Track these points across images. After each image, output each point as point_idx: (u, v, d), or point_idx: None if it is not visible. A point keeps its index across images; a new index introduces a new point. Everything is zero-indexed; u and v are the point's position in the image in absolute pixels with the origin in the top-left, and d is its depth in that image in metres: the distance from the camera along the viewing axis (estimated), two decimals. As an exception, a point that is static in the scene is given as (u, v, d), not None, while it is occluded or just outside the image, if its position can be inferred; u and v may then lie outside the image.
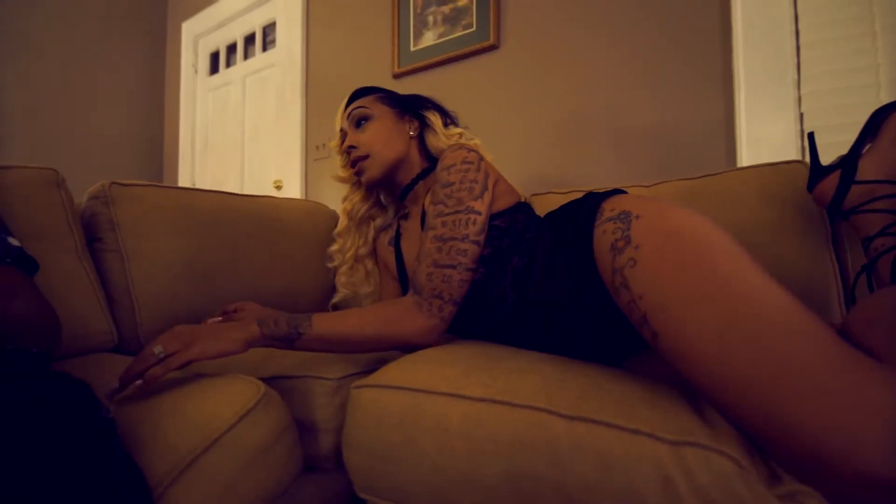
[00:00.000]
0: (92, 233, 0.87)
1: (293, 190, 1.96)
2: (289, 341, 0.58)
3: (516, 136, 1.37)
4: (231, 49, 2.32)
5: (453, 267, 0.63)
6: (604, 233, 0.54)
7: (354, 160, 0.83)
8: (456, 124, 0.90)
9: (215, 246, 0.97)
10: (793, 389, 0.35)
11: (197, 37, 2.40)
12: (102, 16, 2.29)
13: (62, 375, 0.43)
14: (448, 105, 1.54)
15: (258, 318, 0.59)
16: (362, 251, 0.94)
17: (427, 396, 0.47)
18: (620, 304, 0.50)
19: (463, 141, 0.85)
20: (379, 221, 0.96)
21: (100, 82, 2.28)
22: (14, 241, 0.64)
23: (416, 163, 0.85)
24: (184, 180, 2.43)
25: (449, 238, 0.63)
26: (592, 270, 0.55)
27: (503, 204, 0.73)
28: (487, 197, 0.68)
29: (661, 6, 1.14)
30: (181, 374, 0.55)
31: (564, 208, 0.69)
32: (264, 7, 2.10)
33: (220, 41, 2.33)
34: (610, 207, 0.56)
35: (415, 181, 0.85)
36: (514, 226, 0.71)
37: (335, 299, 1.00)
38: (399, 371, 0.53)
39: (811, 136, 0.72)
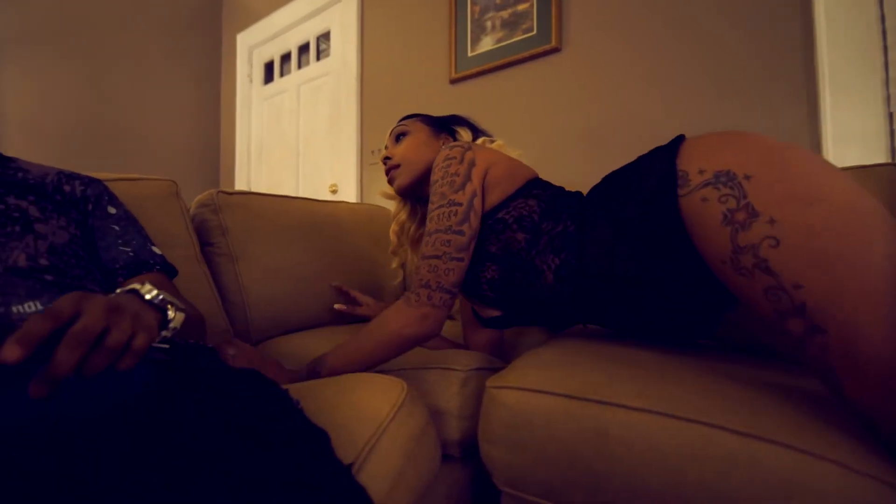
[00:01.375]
0: (203, 238, 0.94)
1: (349, 193, 2.03)
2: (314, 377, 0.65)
3: (578, 139, 1.39)
4: (285, 58, 2.41)
5: (438, 257, 0.65)
6: (704, 201, 0.47)
7: (388, 169, 0.88)
8: (491, 140, 0.92)
9: (309, 248, 1.03)
10: None
11: (251, 48, 2.51)
12: (164, 32, 2.43)
13: (251, 370, 0.48)
14: (506, 108, 1.57)
15: (291, 371, 0.68)
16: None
17: (577, 402, 0.50)
18: (745, 288, 0.44)
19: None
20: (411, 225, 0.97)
21: (162, 93, 2.41)
22: (156, 250, 0.70)
23: None
24: (240, 185, 2.55)
25: (434, 231, 0.67)
26: (671, 242, 0.51)
27: (502, 192, 0.71)
28: (470, 187, 0.68)
29: (735, 6, 1.13)
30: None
31: (613, 180, 0.63)
32: (319, 17, 2.18)
33: (274, 51, 2.43)
34: (697, 168, 0.49)
35: None
36: (526, 216, 0.68)
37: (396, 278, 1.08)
38: (536, 374, 0.56)
39: None
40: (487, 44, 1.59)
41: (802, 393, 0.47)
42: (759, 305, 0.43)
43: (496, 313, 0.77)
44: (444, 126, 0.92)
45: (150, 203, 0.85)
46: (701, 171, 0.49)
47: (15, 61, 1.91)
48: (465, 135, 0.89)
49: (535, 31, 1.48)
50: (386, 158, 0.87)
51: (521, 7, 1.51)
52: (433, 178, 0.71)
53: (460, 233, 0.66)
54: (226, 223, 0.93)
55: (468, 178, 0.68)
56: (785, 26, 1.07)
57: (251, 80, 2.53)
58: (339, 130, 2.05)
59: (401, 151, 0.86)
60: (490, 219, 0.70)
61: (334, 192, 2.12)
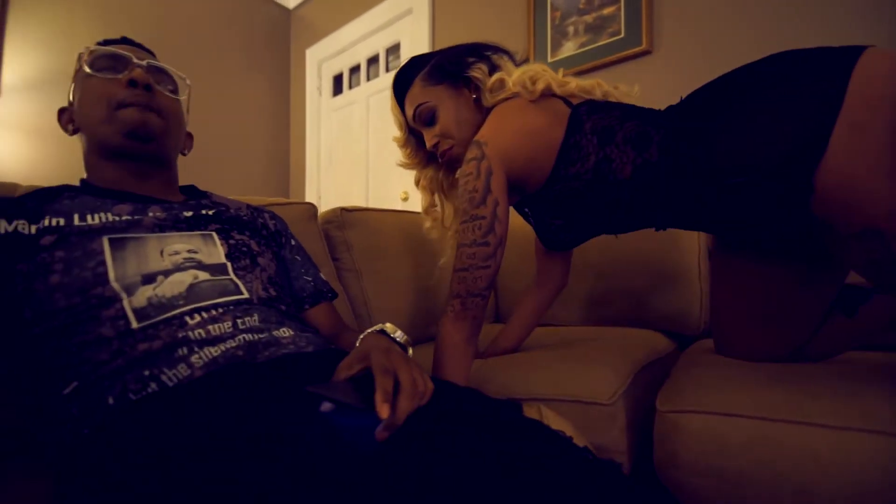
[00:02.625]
0: (330, 253, 1.00)
1: (419, 201, 2.06)
2: None
3: (675, 143, 1.35)
4: (354, 71, 2.49)
5: (466, 269, 0.68)
6: (858, 134, 0.46)
7: (444, 153, 0.80)
8: (508, 55, 0.81)
9: (421, 262, 1.06)
10: None
11: (320, 61, 2.61)
12: (239, 51, 2.57)
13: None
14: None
15: None
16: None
17: (776, 424, 0.50)
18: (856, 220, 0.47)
19: (534, 75, 0.73)
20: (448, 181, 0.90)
21: (237, 108, 2.55)
22: (322, 275, 0.75)
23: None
24: (310, 194, 2.66)
25: (460, 245, 0.69)
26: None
27: (545, 166, 0.69)
28: (491, 198, 0.67)
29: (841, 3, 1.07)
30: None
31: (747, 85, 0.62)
32: (388, 30, 2.24)
33: (342, 64, 2.52)
34: (864, 89, 0.47)
35: None
36: (582, 173, 0.67)
37: (441, 261, 0.94)
38: (713, 396, 0.56)
39: None
40: (569, 48, 1.58)
41: None
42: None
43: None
44: (455, 75, 0.78)
45: (295, 226, 0.91)
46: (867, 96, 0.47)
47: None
48: (481, 77, 0.76)
49: (622, 34, 1.45)
50: (434, 146, 0.80)
51: (606, 11, 1.49)
52: (458, 191, 0.71)
53: (485, 244, 0.67)
54: (350, 239, 0.98)
55: (488, 190, 0.67)
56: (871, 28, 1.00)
57: (320, 93, 2.63)
58: (411, 139, 2.10)
59: (443, 130, 0.78)
60: (548, 191, 0.71)
61: (405, 199, 2.17)
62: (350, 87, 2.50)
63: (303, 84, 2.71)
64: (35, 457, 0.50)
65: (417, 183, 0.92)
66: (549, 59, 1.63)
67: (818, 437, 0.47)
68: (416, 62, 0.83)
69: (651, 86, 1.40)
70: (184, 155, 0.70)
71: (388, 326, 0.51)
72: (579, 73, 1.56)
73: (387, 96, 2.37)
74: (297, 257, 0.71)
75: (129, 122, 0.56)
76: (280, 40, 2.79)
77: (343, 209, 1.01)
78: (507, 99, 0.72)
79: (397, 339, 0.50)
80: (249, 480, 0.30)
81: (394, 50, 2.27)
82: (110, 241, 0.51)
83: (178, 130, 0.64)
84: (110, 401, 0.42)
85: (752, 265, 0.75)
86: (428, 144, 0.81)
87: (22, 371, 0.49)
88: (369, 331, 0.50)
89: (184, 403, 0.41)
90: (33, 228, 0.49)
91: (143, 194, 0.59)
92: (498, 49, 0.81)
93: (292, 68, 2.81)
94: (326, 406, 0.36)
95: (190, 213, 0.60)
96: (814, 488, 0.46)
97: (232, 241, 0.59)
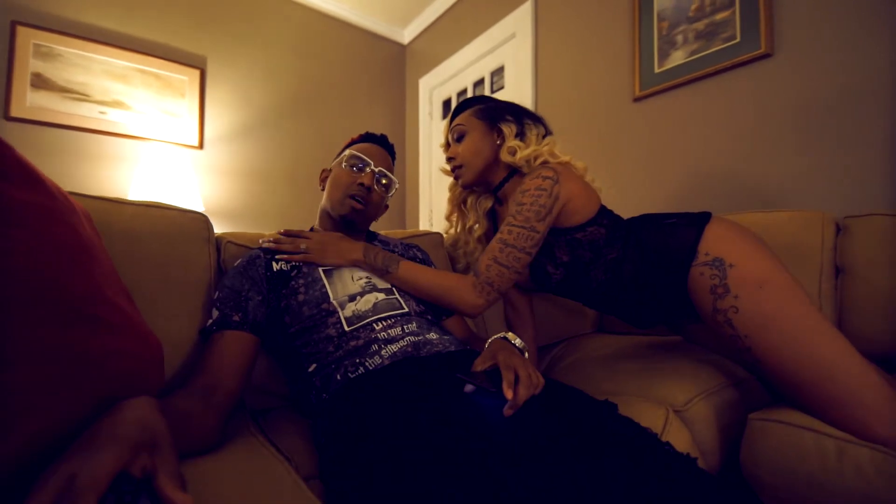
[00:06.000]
0: (453, 269, 1.20)
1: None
2: (382, 273, 0.82)
3: (807, 153, 1.27)
4: (461, 94, 2.72)
5: (507, 267, 0.81)
6: (701, 275, 0.77)
7: (453, 168, 1.00)
8: (543, 126, 1.00)
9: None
10: (836, 397, 0.63)
11: (431, 89, 2.89)
12: (363, 84, 2.98)
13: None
14: (703, 123, 1.52)
15: (365, 245, 0.83)
16: (470, 225, 1.10)
17: (851, 445, 0.57)
18: (718, 329, 0.76)
19: (537, 154, 0.92)
20: (471, 200, 1.10)
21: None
22: None
23: (503, 165, 0.98)
24: (423, 209, 2.96)
25: (511, 245, 0.81)
26: (680, 291, 0.81)
27: (581, 218, 0.88)
28: (549, 219, 0.84)
29: None
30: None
31: (654, 230, 0.86)
32: (493, 55, 2.41)
33: (451, 90, 2.77)
34: (704, 251, 0.78)
35: (503, 181, 0.99)
36: (596, 240, 0.88)
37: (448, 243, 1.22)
38: (793, 412, 0.66)
39: None
40: (678, 58, 1.57)
41: None
42: (722, 336, 0.77)
43: None
44: (495, 119, 0.97)
45: (430, 252, 1.13)
46: (706, 254, 0.78)
47: (277, 129, 2.61)
48: (508, 132, 0.95)
49: (738, 39, 1.41)
50: (450, 158, 1.00)
51: (719, 16, 1.45)
52: (522, 198, 0.84)
53: (530, 254, 0.82)
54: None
55: (550, 212, 0.84)
56: None
57: (431, 117, 2.92)
58: (515, 156, 2.24)
59: (462, 152, 0.97)
60: (568, 235, 0.89)
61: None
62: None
63: (416, 110, 3.03)
64: (295, 410, 0.78)
65: (451, 191, 1.13)
66: (657, 70, 1.63)
67: (878, 458, 0.52)
68: (480, 100, 1.04)
69: (771, 91, 1.34)
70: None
71: (510, 335, 0.67)
72: (690, 82, 1.54)
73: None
74: None
75: (350, 208, 0.86)
76: (396, 73, 3.16)
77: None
78: (539, 171, 0.88)
79: (516, 345, 0.65)
80: (428, 430, 0.48)
81: (498, 72, 2.44)
82: (323, 271, 0.76)
83: (377, 212, 0.94)
84: (338, 377, 0.65)
85: None
86: (446, 154, 1.02)
87: (284, 355, 0.77)
88: (495, 337, 0.67)
89: (381, 381, 0.61)
90: (287, 266, 0.76)
91: None
92: (535, 117, 1.01)
93: (407, 96, 3.15)
94: (469, 388, 0.54)
95: None
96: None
97: None
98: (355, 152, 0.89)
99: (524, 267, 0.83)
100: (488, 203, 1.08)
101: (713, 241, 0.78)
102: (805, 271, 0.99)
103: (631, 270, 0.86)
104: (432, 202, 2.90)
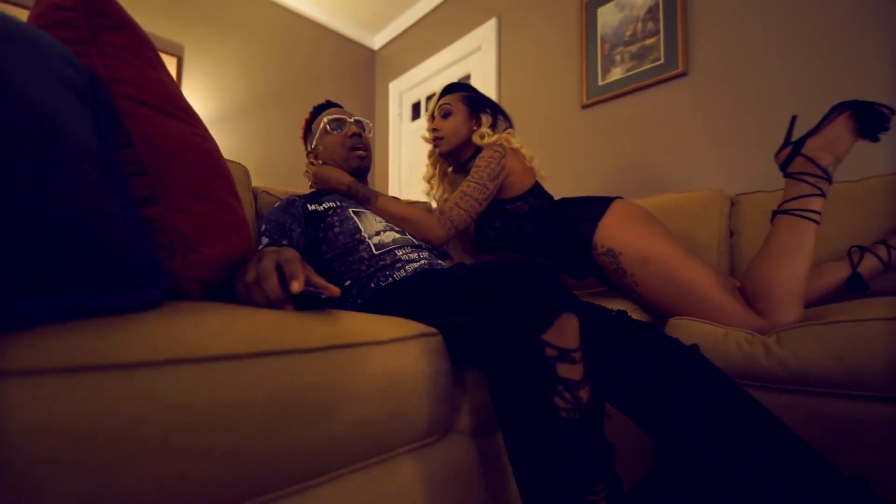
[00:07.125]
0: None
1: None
2: (364, 201, 1.01)
3: (710, 147, 1.63)
4: (430, 98, 2.96)
5: (465, 211, 1.06)
6: (603, 261, 1.04)
7: (435, 138, 1.25)
8: (510, 123, 1.29)
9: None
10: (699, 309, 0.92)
11: (401, 92, 3.11)
12: (335, 84, 3.13)
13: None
14: (636, 127, 1.86)
15: (353, 178, 1.04)
16: (445, 184, 1.37)
17: (717, 327, 0.82)
18: (628, 291, 1.04)
19: (499, 141, 1.17)
20: (447, 180, 1.37)
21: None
22: None
23: (473, 146, 1.24)
24: (392, 203, 3.14)
25: (469, 195, 1.07)
26: (591, 265, 1.09)
27: (513, 193, 1.15)
28: (496, 182, 1.10)
29: (873, 22, 1.32)
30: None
31: (565, 221, 1.11)
32: (460, 65, 2.68)
33: (420, 94, 3.00)
34: (600, 244, 1.03)
35: (469, 158, 1.25)
36: (520, 214, 1.15)
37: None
38: (688, 318, 0.89)
39: (793, 118, 0.93)
40: (617, 73, 1.91)
41: None
42: (632, 293, 1.04)
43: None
44: (477, 108, 1.23)
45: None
46: (602, 246, 1.03)
47: (253, 121, 2.69)
48: (485, 120, 1.21)
49: (662, 60, 1.76)
50: (434, 129, 1.24)
51: (648, 41, 1.81)
52: (479, 161, 1.11)
53: (482, 205, 1.10)
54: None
55: (498, 176, 1.11)
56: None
57: (401, 118, 3.13)
58: (480, 154, 2.50)
59: (445, 128, 1.22)
60: (501, 205, 1.17)
61: (476, 204, 2.56)
62: (426, 112, 2.97)
63: (386, 111, 3.23)
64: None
65: (430, 156, 1.37)
66: (600, 83, 1.97)
67: (747, 336, 0.78)
68: (468, 87, 1.29)
69: (686, 104, 1.70)
70: None
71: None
72: (625, 94, 1.88)
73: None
74: None
75: (357, 158, 1.04)
76: (367, 76, 3.34)
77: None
78: (492, 146, 1.15)
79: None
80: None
81: (464, 80, 2.71)
82: (354, 212, 0.95)
83: (371, 154, 1.11)
84: (372, 285, 0.84)
85: None
86: (429, 126, 1.27)
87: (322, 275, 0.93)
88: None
89: (407, 284, 0.81)
90: (321, 207, 0.93)
91: None
92: (506, 116, 1.30)
93: (377, 98, 3.34)
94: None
95: None
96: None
97: None
98: (329, 117, 1.07)
99: (477, 214, 1.09)
100: (459, 180, 1.36)
101: (606, 235, 1.02)
102: (708, 233, 1.31)
103: (546, 247, 1.13)
104: (401, 197, 3.09)
